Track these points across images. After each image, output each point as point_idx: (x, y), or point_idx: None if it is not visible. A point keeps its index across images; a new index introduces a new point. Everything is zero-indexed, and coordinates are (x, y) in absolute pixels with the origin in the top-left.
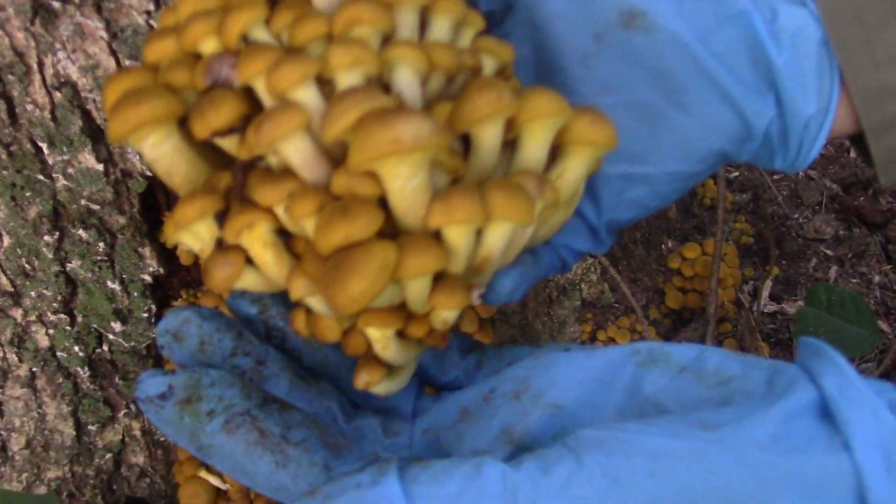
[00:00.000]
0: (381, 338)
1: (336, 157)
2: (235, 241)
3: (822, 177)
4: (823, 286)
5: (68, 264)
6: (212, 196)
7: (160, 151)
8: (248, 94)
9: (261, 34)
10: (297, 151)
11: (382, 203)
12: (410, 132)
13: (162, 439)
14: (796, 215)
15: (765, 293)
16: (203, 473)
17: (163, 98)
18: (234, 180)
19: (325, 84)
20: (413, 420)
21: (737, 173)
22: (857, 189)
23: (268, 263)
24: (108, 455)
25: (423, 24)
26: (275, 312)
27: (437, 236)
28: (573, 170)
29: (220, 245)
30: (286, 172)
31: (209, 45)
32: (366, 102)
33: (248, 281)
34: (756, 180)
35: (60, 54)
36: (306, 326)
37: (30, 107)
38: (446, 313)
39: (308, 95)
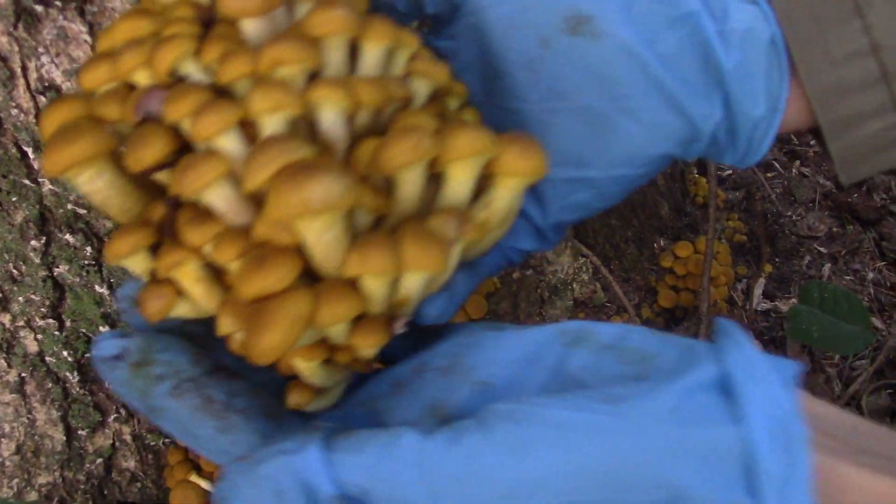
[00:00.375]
0: (307, 368)
1: (261, 199)
2: (167, 276)
3: (815, 174)
4: (817, 284)
5: (56, 269)
6: (144, 230)
7: (94, 187)
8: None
9: (190, 68)
10: (219, 199)
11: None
12: (320, 193)
13: (153, 444)
14: (789, 213)
15: (758, 291)
16: (194, 477)
17: (93, 136)
18: (166, 215)
19: (250, 126)
20: (351, 391)
21: (729, 171)
22: (851, 186)
23: (198, 297)
24: (99, 460)
25: (356, 51)
26: None
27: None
28: (502, 199)
29: (154, 276)
30: (209, 217)
31: (141, 77)
32: (282, 156)
33: (182, 310)
34: (749, 178)
35: (44, 58)
36: (241, 348)
37: (14, 111)
38: (369, 348)
39: (230, 143)
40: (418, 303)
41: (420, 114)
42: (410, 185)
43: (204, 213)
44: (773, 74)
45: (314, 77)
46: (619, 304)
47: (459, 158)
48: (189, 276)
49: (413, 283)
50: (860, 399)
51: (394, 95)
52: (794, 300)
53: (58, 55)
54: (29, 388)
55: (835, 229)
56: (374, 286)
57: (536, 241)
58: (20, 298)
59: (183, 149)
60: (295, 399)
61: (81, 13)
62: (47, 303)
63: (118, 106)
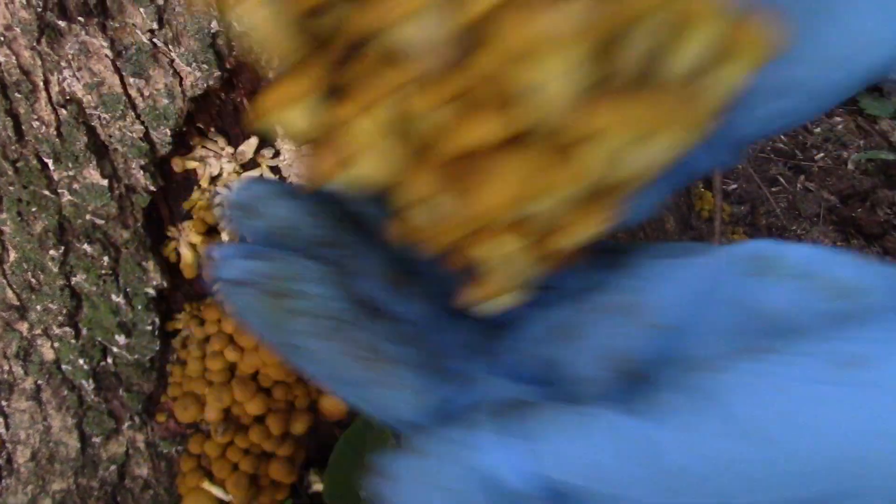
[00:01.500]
0: (499, 253)
1: (468, 43)
2: (340, 135)
3: (819, 189)
4: None
5: (73, 278)
6: (316, 73)
7: (258, 16)
8: None
9: None
10: (419, 32)
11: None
12: (560, 23)
13: (166, 451)
14: (794, 227)
15: None
16: (206, 485)
17: None
18: (339, 58)
19: None
20: (501, 334)
21: (735, 186)
22: (855, 201)
23: (384, 153)
24: (113, 467)
25: None
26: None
27: (569, 154)
28: (728, 79)
29: (318, 137)
30: (403, 58)
31: None
32: None
33: (363, 169)
34: (754, 192)
35: (66, 72)
36: (407, 235)
37: (36, 123)
38: (581, 233)
39: None
40: (631, 190)
41: None
42: (642, 40)
43: (390, 56)
44: None
45: None
46: None
47: (698, 20)
48: (374, 127)
49: (655, 151)
50: None
51: None
52: None
53: (79, 69)
54: (45, 396)
55: (839, 244)
56: (609, 147)
57: (727, 154)
58: (38, 307)
59: None
60: (473, 293)
61: (103, 28)
62: (64, 311)
63: None
